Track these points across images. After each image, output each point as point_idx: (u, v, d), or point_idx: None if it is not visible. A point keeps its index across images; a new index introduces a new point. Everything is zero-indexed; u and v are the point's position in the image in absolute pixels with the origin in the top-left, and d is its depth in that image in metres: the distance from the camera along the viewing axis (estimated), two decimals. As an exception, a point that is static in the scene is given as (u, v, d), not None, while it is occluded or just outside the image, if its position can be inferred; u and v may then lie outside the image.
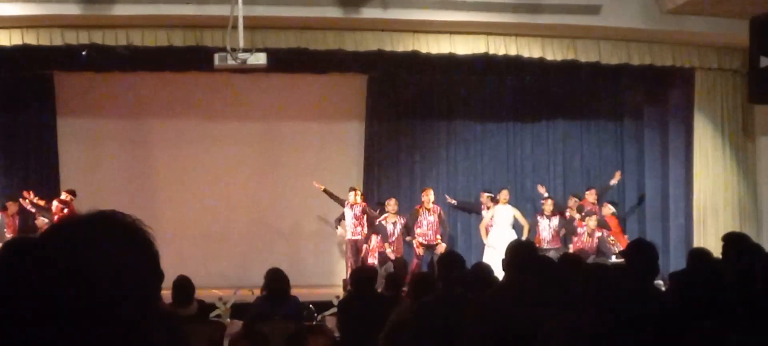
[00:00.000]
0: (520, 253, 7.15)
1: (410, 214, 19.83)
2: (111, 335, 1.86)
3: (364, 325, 9.92)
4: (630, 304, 5.60)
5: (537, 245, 18.71)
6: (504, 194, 20.08)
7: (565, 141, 22.22)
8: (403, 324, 8.27)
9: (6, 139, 20.51)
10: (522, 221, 20.00)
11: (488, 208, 20.24)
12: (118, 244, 1.92)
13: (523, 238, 19.23)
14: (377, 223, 19.41)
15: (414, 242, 19.57)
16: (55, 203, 18.74)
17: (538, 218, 19.88)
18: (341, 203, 19.76)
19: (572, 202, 20.14)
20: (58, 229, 1.99)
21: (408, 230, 19.67)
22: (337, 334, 11.43)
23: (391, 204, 19.54)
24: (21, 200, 18.97)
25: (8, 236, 18.11)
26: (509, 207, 20.00)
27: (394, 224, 19.45)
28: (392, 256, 19.21)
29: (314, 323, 14.27)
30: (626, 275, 6.59)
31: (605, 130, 22.30)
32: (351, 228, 19.60)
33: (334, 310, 14.23)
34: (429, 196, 19.78)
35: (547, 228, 19.68)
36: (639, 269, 6.92)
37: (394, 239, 19.37)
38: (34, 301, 1.83)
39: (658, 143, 21.07)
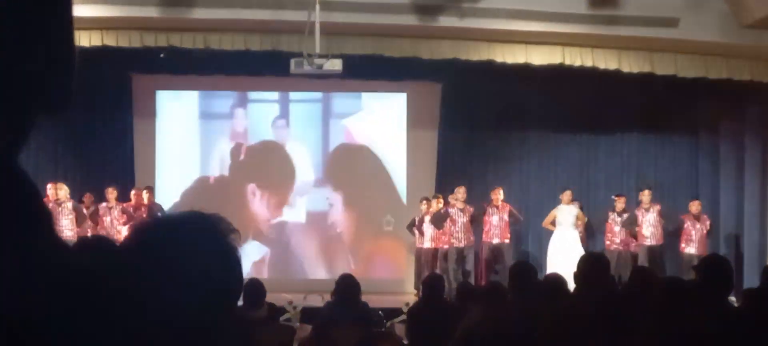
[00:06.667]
0: (591, 267, 7.13)
1: (477, 209, 19.85)
2: (184, 340, 1.88)
3: (433, 333, 9.91)
4: (703, 320, 5.56)
5: (607, 243, 19.64)
6: (567, 195, 20.07)
7: (639, 154, 22.07)
8: (473, 333, 8.26)
9: (83, 139, 20.75)
10: (580, 216, 20.10)
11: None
12: (202, 251, 1.93)
13: (579, 230, 19.78)
14: (442, 211, 19.42)
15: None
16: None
17: (610, 214, 19.99)
18: (443, 219, 19.73)
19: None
20: (143, 231, 2.01)
21: (473, 220, 19.64)
22: (405, 341, 11.44)
23: (461, 192, 19.53)
24: (86, 197, 19.44)
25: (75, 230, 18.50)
26: (571, 206, 20.00)
27: (462, 211, 19.45)
28: (461, 243, 19.31)
29: (383, 329, 14.28)
30: (700, 291, 6.55)
31: (680, 144, 22.08)
32: (429, 235, 19.68)
33: (403, 317, 14.25)
34: (498, 194, 19.79)
35: (617, 224, 19.87)
36: (713, 285, 6.87)
37: (458, 226, 19.41)
38: (109, 301, 1.86)
39: (733, 158, 20.87)
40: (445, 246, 19.53)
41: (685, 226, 19.72)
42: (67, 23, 1.64)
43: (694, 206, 19.90)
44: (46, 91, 1.61)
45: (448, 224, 19.45)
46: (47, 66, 1.60)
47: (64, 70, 1.63)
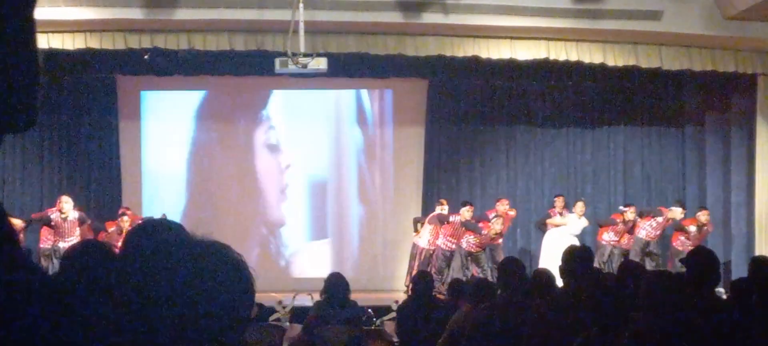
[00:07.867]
0: (577, 260, 7.13)
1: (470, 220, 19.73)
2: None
3: (422, 330, 9.93)
4: (690, 312, 5.57)
5: (601, 237, 19.74)
6: (580, 206, 20.02)
7: (625, 147, 22.11)
8: (462, 330, 8.27)
9: (69, 142, 20.75)
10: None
11: (560, 214, 20.19)
12: (227, 281, 1.97)
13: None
14: (476, 219, 19.39)
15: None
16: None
17: (617, 219, 19.94)
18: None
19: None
20: (166, 250, 2.02)
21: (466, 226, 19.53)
22: (395, 339, 11.45)
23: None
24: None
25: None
26: (584, 220, 19.99)
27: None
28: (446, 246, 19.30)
29: (373, 327, 14.29)
30: (687, 283, 6.56)
31: (666, 136, 22.13)
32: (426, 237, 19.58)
33: (393, 315, 14.26)
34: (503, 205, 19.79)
35: (619, 230, 19.80)
36: (700, 278, 6.88)
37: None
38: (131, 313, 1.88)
39: (719, 150, 20.90)
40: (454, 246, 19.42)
41: (688, 229, 19.56)
42: (29, 39, 1.59)
43: (704, 216, 19.71)
44: (9, 110, 1.56)
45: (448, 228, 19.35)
46: (9, 84, 1.55)
47: (28, 87, 1.58)
